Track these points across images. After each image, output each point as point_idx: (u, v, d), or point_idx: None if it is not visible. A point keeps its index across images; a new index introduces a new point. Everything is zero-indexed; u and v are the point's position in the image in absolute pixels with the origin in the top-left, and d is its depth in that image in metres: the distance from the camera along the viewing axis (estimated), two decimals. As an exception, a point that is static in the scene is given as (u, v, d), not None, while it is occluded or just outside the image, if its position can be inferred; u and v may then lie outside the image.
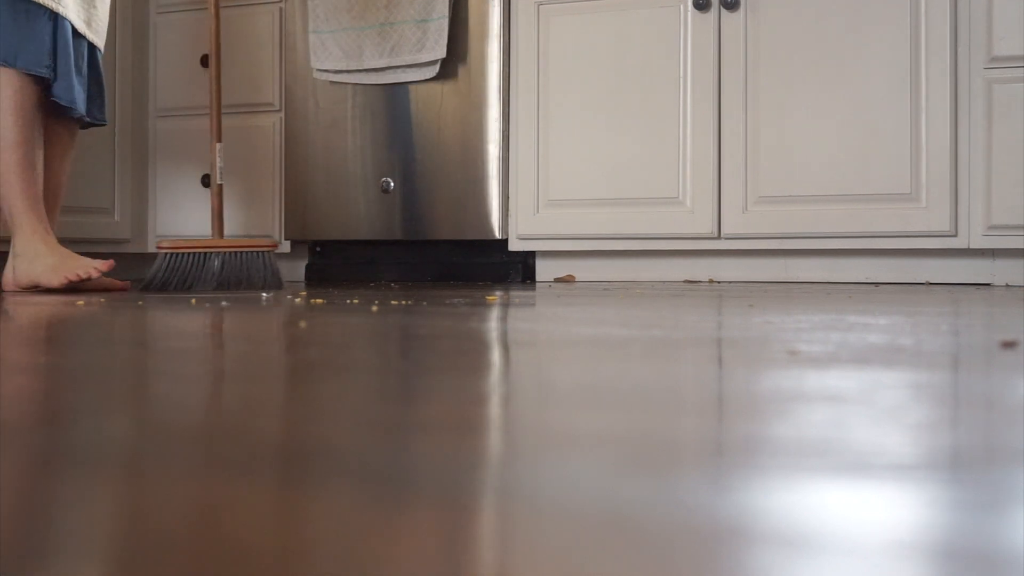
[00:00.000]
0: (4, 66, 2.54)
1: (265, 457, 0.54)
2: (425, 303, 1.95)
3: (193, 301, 2.14)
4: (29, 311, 1.86)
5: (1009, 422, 0.63)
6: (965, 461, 0.52)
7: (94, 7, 2.73)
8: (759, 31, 3.02)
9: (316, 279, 3.54)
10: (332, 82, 3.41)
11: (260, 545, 0.37)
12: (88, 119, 2.76)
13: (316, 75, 3.42)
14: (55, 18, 2.61)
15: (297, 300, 2.15)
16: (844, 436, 0.57)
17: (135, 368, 0.98)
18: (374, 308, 1.82)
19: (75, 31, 2.67)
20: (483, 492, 0.45)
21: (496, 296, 2.29)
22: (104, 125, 2.90)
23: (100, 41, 2.78)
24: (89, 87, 2.75)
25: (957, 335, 1.26)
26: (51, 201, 2.77)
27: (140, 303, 2.07)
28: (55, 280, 2.52)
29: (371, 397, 0.76)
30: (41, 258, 2.54)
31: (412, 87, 3.31)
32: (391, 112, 3.34)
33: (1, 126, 2.53)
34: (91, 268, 2.51)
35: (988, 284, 2.86)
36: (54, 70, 2.61)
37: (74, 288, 2.56)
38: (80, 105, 2.68)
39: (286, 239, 3.54)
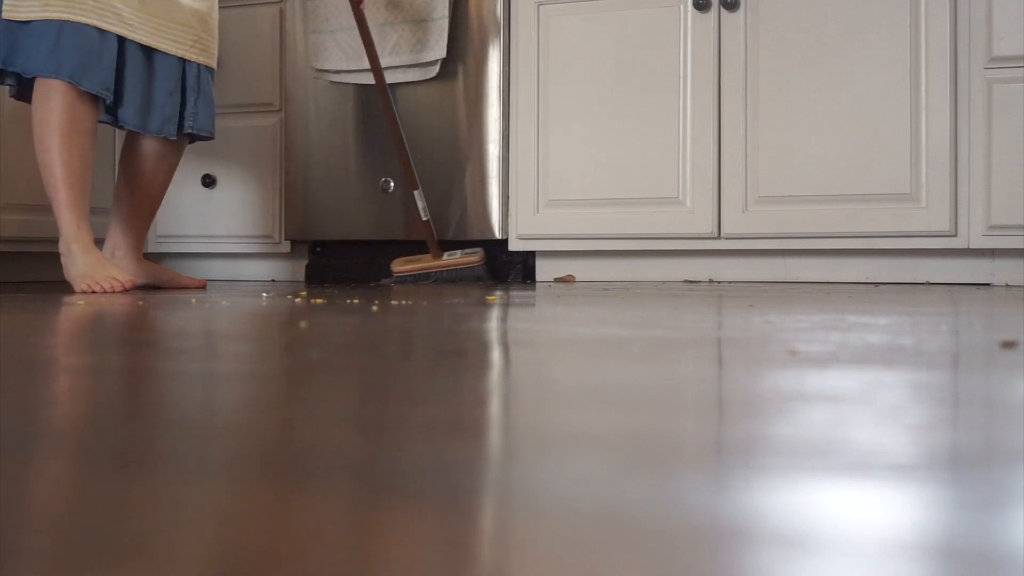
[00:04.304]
0: (69, 82, 2.64)
1: (264, 457, 0.54)
2: (425, 303, 1.95)
3: (193, 301, 2.14)
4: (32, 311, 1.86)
5: (1009, 422, 0.63)
6: (965, 461, 0.52)
7: (193, 27, 2.85)
8: (759, 31, 3.02)
9: (316, 279, 3.54)
10: (332, 82, 3.41)
11: (258, 545, 0.37)
12: (197, 134, 2.91)
13: (316, 75, 3.42)
14: (122, 45, 2.73)
15: (297, 300, 2.15)
16: (844, 436, 0.57)
17: (134, 368, 0.98)
18: (374, 308, 1.82)
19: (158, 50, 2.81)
20: (483, 492, 0.45)
21: (496, 296, 2.29)
22: (211, 139, 3.02)
23: (212, 61, 2.91)
24: (201, 105, 2.88)
25: (957, 335, 1.26)
26: (147, 210, 2.94)
27: (140, 303, 2.07)
28: (78, 286, 2.60)
29: (371, 397, 0.76)
30: (74, 263, 2.64)
31: (412, 87, 3.31)
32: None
33: (51, 143, 2.65)
34: (114, 282, 2.58)
35: (988, 284, 2.86)
36: (119, 95, 2.74)
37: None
38: (158, 128, 2.81)
39: (286, 239, 3.54)
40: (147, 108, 2.78)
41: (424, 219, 3.20)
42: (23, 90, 2.77)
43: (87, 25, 2.64)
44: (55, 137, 2.63)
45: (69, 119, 2.64)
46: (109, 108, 2.77)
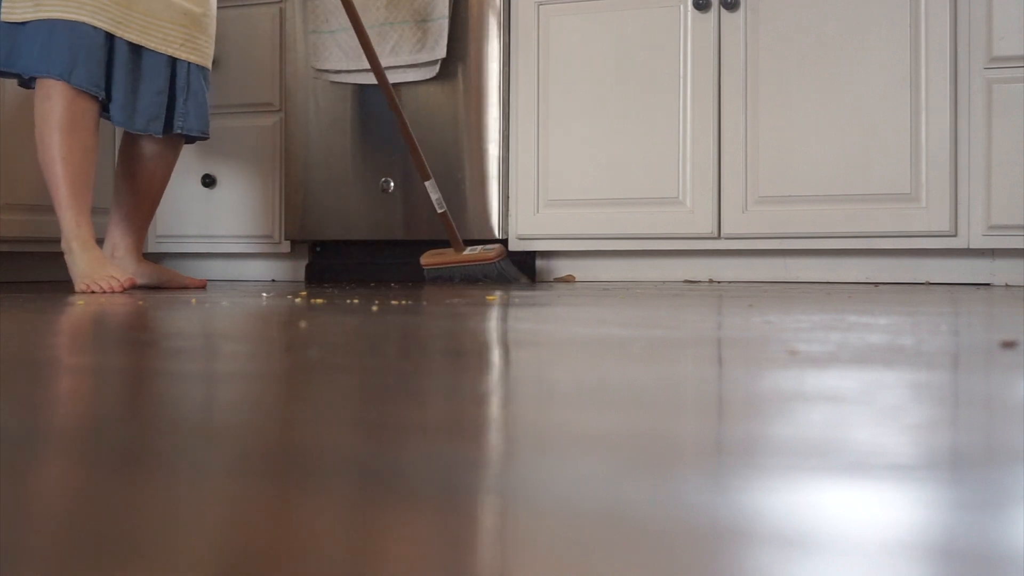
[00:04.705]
0: (59, 80, 2.66)
1: (264, 457, 0.54)
2: (425, 303, 1.95)
3: (193, 301, 2.14)
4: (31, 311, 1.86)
5: (1009, 422, 0.63)
6: (965, 461, 0.52)
7: (200, 30, 2.87)
8: (759, 31, 3.02)
9: (316, 279, 3.54)
10: (332, 82, 3.41)
11: (259, 545, 0.37)
12: (186, 134, 2.91)
13: (316, 75, 3.42)
14: (111, 42, 2.74)
15: (297, 300, 2.15)
16: (844, 436, 0.57)
17: (133, 368, 0.98)
18: (374, 308, 1.82)
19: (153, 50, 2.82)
20: (483, 492, 0.45)
21: (496, 296, 2.29)
22: (206, 139, 3.02)
23: (204, 61, 2.91)
24: (191, 104, 2.88)
25: (957, 335, 1.26)
26: (146, 209, 2.95)
27: (140, 303, 2.08)
28: (77, 286, 2.62)
29: (371, 397, 0.76)
30: (75, 262, 2.66)
31: (412, 87, 3.31)
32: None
33: (51, 140, 2.66)
34: (112, 282, 2.59)
35: (988, 284, 2.86)
36: (108, 92, 2.75)
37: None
38: (143, 126, 2.81)
39: (286, 239, 3.54)
40: (133, 105, 2.79)
41: (440, 211, 3.15)
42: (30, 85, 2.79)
43: (78, 22, 2.65)
44: (55, 135, 2.65)
45: (69, 116, 2.65)
46: (103, 105, 2.78)
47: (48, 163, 2.66)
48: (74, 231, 2.65)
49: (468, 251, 3.15)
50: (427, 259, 3.19)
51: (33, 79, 2.74)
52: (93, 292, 2.55)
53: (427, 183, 3.15)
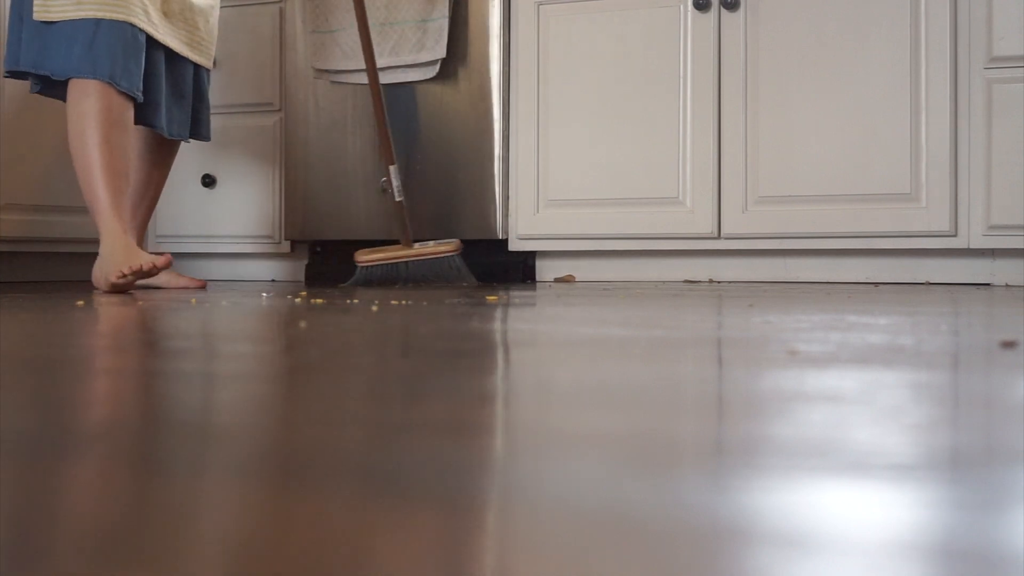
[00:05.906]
0: (108, 83, 2.60)
1: (264, 458, 0.54)
2: (425, 303, 1.95)
3: (193, 301, 2.14)
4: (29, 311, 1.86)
5: (1009, 422, 0.63)
6: (965, 461, 0.52)
7: (197, 28, 2.85)
8: (759, 31, 3.02)
9: (316, 279, 3.54)
10: (332, 82, 3.41)
11: (258, 546, 0.37)
12: (186, 136, 2.91)
13: (316, 75, 3.42)
14: (149, 44, 2.72)
15: (297, 300, 2.15)
16: (844, 436, 0.57)
17: (134, 369, 0.98)
18: (374, 308, 1.82)
19: (175, 54, 2.80)
20: (484, 493, 0.45)
21: (496, 296, 2.29)
22: (207, 141, 3.03)
23: (206, 61, 2.90)
24: (195, 106, 2.89)
25: (957, 335, 1.26)
26: (146, 208, 2.96)
27: (140, 303, 2.08)
28: (109, 277, 2.56)
29: (371, 398, 0.76)
30: (114, 261, 2.58)
31: (412, 87, 3.31)
32: (391, 112, 3.33)
33: (91, 142, 2.59)
34: (151, 260, 2.54)
35: (988, 284, 2.86)
36: (145, 94, 2.72)
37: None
38: (165, 125, 2.80)
39: (286, 239, 3.54)
40: (169, 109, 2.79)
41: (397, 199, 3.01)
42: (47, 87, 2.71)
43: (124, 23, 2.60)
44: (95, 136, 2.57)
45: (107, 118, 2.59)
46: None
47: (87, 165, 2.59)
48: (121, 238, 2.59)
49: (418, 246, 2.98)
50: (364, 255, 2.96)
51: (52, 88, 2.68)
52: (115, 284, 2.51)
53: (391, 168, 3.03)
